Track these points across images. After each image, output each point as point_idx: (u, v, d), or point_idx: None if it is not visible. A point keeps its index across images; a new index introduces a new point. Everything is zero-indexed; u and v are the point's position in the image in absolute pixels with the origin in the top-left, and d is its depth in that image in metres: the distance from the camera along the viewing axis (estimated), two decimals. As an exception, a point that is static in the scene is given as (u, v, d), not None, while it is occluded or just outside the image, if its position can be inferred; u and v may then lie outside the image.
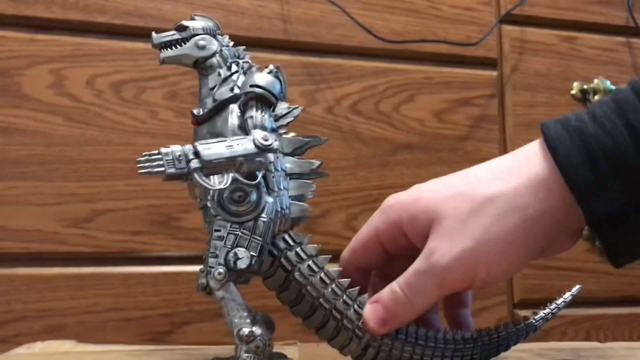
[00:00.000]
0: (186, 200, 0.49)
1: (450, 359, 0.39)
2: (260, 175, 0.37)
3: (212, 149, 0.35)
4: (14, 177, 0.66)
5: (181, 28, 0.41)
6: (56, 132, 0.68)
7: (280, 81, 0.40)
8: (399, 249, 0.40)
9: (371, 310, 0.38)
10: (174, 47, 0.41)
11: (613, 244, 0.37)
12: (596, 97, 0.85)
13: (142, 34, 0.70)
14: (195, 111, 0.40)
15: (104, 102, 0.70)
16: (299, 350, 0.55)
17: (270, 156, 0.37)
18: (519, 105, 0.83)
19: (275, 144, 0.37)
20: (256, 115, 0.38)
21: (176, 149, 0.35)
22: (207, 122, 0.40)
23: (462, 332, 0.40)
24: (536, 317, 0.44)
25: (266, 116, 0.38)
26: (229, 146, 0.35)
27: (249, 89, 0.38)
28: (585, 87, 0.85)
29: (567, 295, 0.46)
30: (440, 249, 0.36)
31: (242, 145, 0.36)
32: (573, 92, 0.85)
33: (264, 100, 0.38)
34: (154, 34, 0.41)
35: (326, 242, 0.74)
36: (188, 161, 0.34)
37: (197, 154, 0.35)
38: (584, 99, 0.85)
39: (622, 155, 0.34)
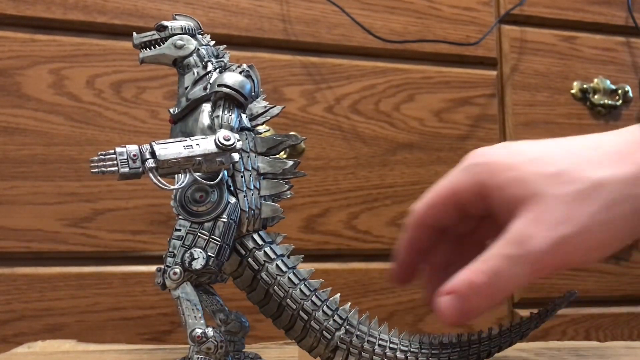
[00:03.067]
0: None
1: None
2: (220, 175, 0.36)
3: (170, 148, 0.35)
4: (14, 176, 0.66)
5: (161, 28, 0.41)
6: (57, 131, 0.68)
7: (252, 80, 0.40)
8: (477, 211, 0.37)
9: (448, 303, 0.34)
10: (152, 47, 0.41)
11: None
12: (596, 97, 0.85)
13: (142, 34, 0.70)
14: (171, 110, 0.40)
15: (104, 102, 0.70)
16: (299, 350, 0.55)
17: (235, 156, 0.36)
18: (518, 105, 0.83)
19: (238, 144, 0.36)
20: (223, 114, 0.38)
21: (131, 148, 0.34)
22: (181, 121, 0.40)
23: (440, 337, 0.39)
24: (523, 322, 0.43)
25: (233, 116, 0.38)
26: (187, 146, 0.35)
27: (217, 89, 0.38)
28: (585, 86, 0.85)
29: (559, 301, 0.44)
30: (538, 234, 0.32)
31: (203, 145, 0.35)
32: (573, 91, 0.85)
33: (233, 99, 0.38)
34: (134, 34, 0.41)
35: (326, 241, 0.74)
36: (144, 161, 0.34)
37: (152, 153, 0.34)
38: (583, 98, 0.85)
39: None
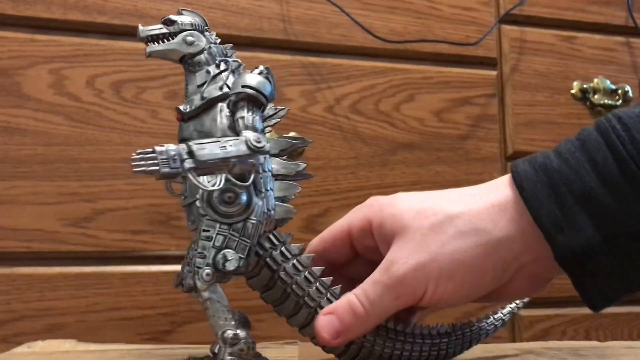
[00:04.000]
0: (186, 199, 0.49)
1: (428, 353, 0.41)
2: (252, 176, 0.36)
3: (207, 149, 0.34)
4: (14, 176, 0.66)
5: (169, 22, 0.41)
6: (57, 131, 0.68)
7: (269, 82, 0.40)
8: (365, 249, 0.41)
9: (325, 322, 0.37)
10: (161, 42, 0.40)
11: (583, 284, 0.37)
12: (596, 97, 0.85)
13: (142, 34, 0.70)
14: (181, 107, 0.40)
15: (104, 102, 0.70)
16: (299, 349, 0.55)
17: (261, 158, 0.36)
18: (518, 105, 0.83)
19: (267, 146, 0.36)
20: (247, 116, 0.37)
21: (171, 147, 0.34)
22: (194, 120, 0.39)
23: (438, 327, 0.42)
24: (504, 311, 0.48)
25: (257, 117, 0.38)
26: (222, 147, 0.35)
27: (241, 89, 0.38)
28: (585, 86, 0.85)
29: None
30: (399, 260, 0.37)
31: (235, 147, 0.35)
32: (573, 91, 0.85)
33: (255, 101, 0.38)
34: (140, 26, 0.40)
35: (326, 241, 0.74)
36: (182, 161, 0.34)
37: (190, 153, 0.34)
38: (583, 98, 0.85)
39: (586, 189, 0.34)
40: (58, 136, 0.68)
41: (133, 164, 0.33)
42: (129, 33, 0.72)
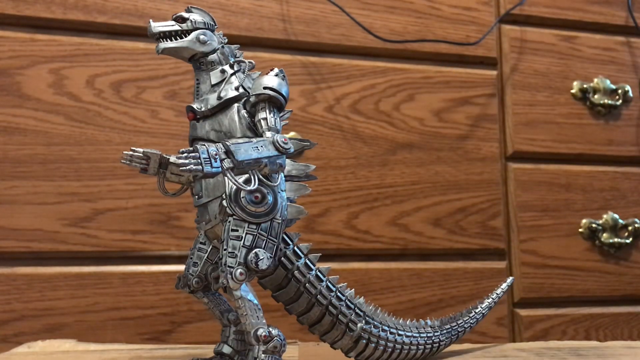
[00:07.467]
0: (186, 199, 0.49)
1: (424, 345, 0.45)
2: (280, 177, 0.37)
3: (242, 149, 0.35)
4: (14, 176, 0.66)
5: (181, 19, 0.40)
6: (56, 131, 0.68)
7: (285, 84, 0.40)
8: None
9: None
10: (173, 39, 0.40)
11: None
12: (596, 97, 0.85)
13: (142, 34, 0.70)
14: (195, 106, 0.40)
15: (104, 102, 0.70)
16: (299, 349, 0.55)
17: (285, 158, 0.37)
18: (518, 105, 0.83)
19: (292, 148, 0.37)
20: (269, 117, 0.38)
21: (211, 147, 0.34)
22: (210, 119, 0.39)
23: (431, 322, 0.46)
24: (482, 305, 0.52)
25: (277, 118, 0.38)
26: (255, 147, 0.35)
27: (262, 91, 0.38)
28: (585, 86, 0.85)
29: (504, 286, 0.54)
30: None
31: (265, 147, 0.36)
32: (573, 91, 0.85)
33: (274, 102, 0.38)
34: (151, 22, 0.40)
35: (326, 241, 0.74)
36: (221, 160, 0.34)
37: (227, 153, 0.34)
38: (583, 98, 0.85)
39: None
40: (58, 136, 0.68)
41: (180, 162, 0.33)
42: (129, 33, 0.72)
